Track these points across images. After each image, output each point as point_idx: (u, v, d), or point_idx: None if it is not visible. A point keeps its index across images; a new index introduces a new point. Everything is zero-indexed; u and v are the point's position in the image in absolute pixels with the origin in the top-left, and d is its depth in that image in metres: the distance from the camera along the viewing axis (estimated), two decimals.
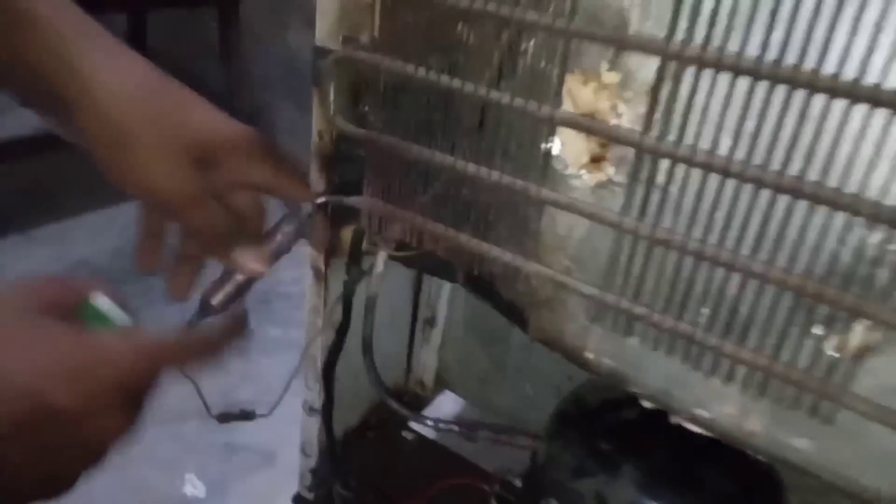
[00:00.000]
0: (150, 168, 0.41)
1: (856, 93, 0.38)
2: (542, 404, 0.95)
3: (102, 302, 0.40)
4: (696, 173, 0.45)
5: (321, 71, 0.58)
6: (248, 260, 0.50)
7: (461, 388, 1.02)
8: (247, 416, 0.71)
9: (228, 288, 0.54)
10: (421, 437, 0.99)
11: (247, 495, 1.16)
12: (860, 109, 0.39)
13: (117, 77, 0.39)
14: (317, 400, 0.79)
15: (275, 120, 2.00)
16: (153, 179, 0.41)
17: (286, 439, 0.89)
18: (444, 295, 0.99)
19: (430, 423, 0.69)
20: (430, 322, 1.01)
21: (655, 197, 0.47)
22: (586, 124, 0.47)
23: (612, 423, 0.67)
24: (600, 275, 0.53)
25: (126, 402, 0.36)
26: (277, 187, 0.49)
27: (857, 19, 0.37)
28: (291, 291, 1.59)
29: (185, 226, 0.46)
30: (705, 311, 0.48)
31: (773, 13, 0.39)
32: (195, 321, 0.54)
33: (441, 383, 1.05)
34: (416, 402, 1.06)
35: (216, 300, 0.54)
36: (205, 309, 0.54)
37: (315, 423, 0.82)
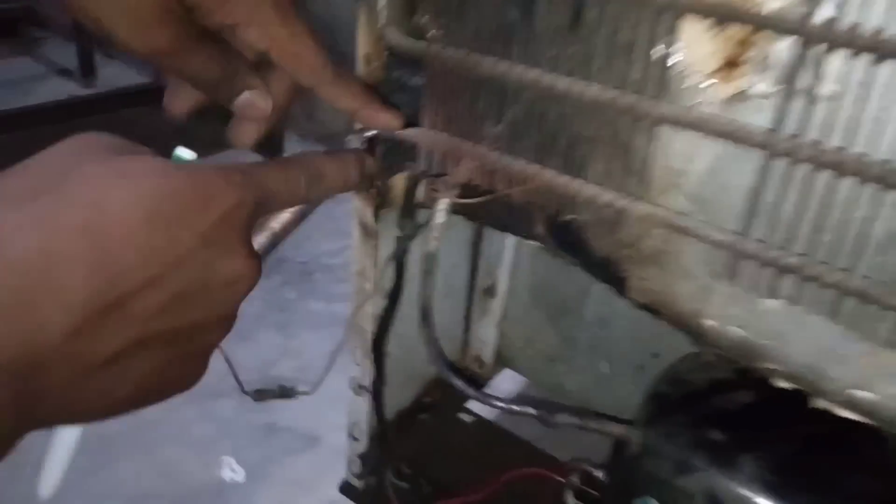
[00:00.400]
0: (116, 23, 0.33)
1: None
2: (621, 387, 0.84)
3: (186, 153, 0.33)
4: (884, 72, 0.32)
5: None
6: (257, 100, 0.40)
7: (524, 366, 0.91)
8: (286, 393, 0.61)
9: (261, 238, 0.44)
10: (481, 420, 0.89)
11: (289, 481, 1.06)
12: None
13: None
14: (366, 377, 0.69)
15: None
16: (123, 34, 0.34)
17: (331, 421, 0.80)
18: (505, 260, 0.87)
19: (500, 404, 0.58)
20: (490, 291, 0.90)
21: (819, 112, 0.35)
22: (729, 9, 0.35)
23: (724, 407, 0.55)
24: (732, 218, 0.41)
25: (245, 242, 0.30)
26: (294, 71, 0.39)
27: None
28: (333, 263, 1.49)
29: (176, 75, 0.39)
30: (883, 260, 0.36)
31: None
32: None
33: (501, 361, 0.94)
34: (473, 383, 0.95)
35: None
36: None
37: (364, 404, 0.72)
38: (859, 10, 0.32)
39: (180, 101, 0.41)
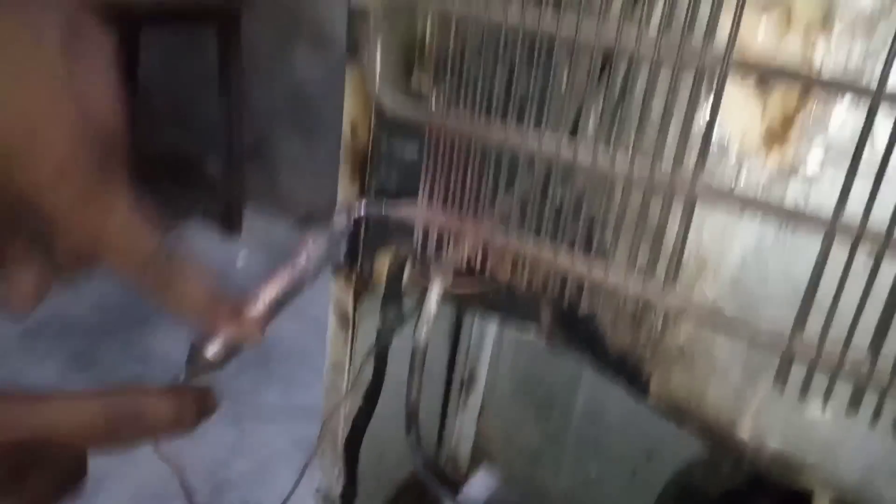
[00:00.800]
0: None
1: None
2: (611, 491, 0.77)
3: None
4: None
5: (360, 30, 0.42)
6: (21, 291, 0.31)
7: (505, 465, 0.83)
8: None
9: (228, 333, 0.37)
10: None
11: None
12: None
13: None
14: (335, 486, 0.60)
15: (277, 154, 1.84)
16: None
17: None
18: (486, 348, 0.81)
19: None
20: (469, 382, 0.83)
21: (887, 192, 0.30)
22: (786, 69, 0.31)
23: None
24: (775, 313, 0.36)
25: None
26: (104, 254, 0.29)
27: None
28: (292, 349, 1.40)
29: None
30: None
31: None
32: (186, 377, 0.37)
33: (478, 460, 0.86)
34: (450, 485, 0.87)
35: (211, 351, 0.37)
36: (196, 361, 0.37)
37: None
38: None
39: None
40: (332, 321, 0.55)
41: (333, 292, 0.54)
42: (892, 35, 0.30)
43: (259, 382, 1.31)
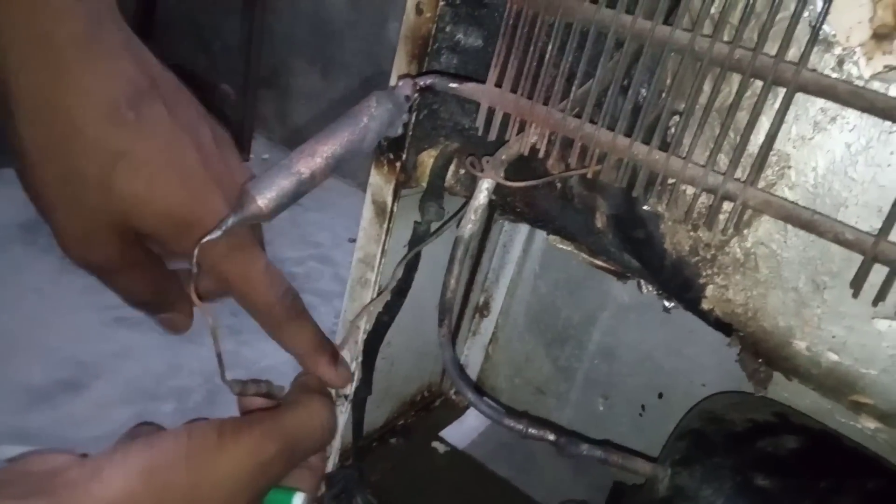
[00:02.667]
0: (61, 228, 0.33)
1: None
2: (615, 426, 0.77)
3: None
4: None
5: None
6: (175, 324, 0.39)
7: (509, 396, 0.83)
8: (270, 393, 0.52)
9: (284, 182, 0.36)
10: (455, 451, 0.80)
11: None
12: None
13: (43, 110, 0.31)
14: (349, 385, 0.60)
15: (293, 84, 1.80)
16: (63, 240, 0.33)
17: None
18: (505, 275, 0.80)
19: (514, 424, 0.50)
20: (483, 309, 0.82)
21: None
22: None
23: (770, 451, 0.49)
24: (855, 218, 0.35)
25: None
26: (241, 293, 0.35)
27: None
28: (295, 272, 1.39)
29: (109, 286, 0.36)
30: None
31: None
32: (231, 223, 0.35)
33: (483, 388, 0.86)
34: (445, 410, 0.87)
35: (265, 198, 0.35)
36: (246, 208, 0.35)
37: (340, 416, 0.62)
38: None
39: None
40: (367, 211, 0.54)
41: (373, 181, 0.52)
42: None
43: None
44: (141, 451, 0.28)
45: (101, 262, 0.34)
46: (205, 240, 0.34)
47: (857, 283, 0.34)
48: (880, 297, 0.33)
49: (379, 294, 0.56)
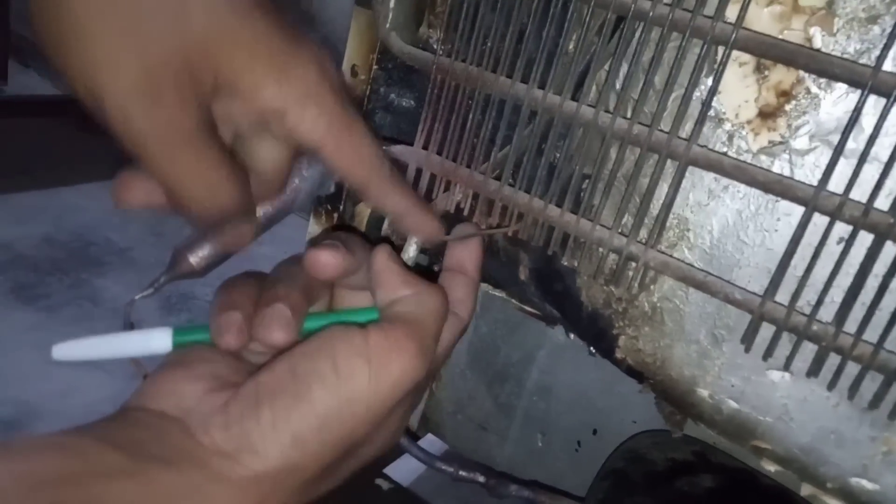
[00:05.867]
0: (106, 78, 0.25)
1: None
2: (552, 462, 0.79)
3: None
4: None
5: None
6: (241, 235, 0.35)
7: (452, 433, 0.85)
8: None
9: (215, 243, 0.38)
10: (399, 489, 0.81)
11: None
12: None
13: None
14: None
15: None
16: (108, 93, 0.25)
17: None
18: None
19: (446, 468, 0.52)
20: None
21: (868, 173, 0.33)
22: (789, 52, 0.33)
23: (689, 491, 0.52)
24: (747, 278, 0.38)
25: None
26: (345, 166, 0.33)
27: None
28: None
29: (155, 178, 0.29)
30: None
31: None
32: (162, 283, 0.37)
33: (426, 426, 0.87)
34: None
35: (196, 257, 0.37)
36: (178, 268, 0.37)
37: None
38: None
39: (135, 191, 0.32)
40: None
41: (312, 230, 0.54)
42: (890, 28, 0.32)
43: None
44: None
45: (161, 125, 0.27)
46: (137, 297, 0.35)
47: (747, 339, 0.37)
48: (769, 352, 0.37)
49: None
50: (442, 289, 0.35)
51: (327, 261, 0.34)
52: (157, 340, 0.34)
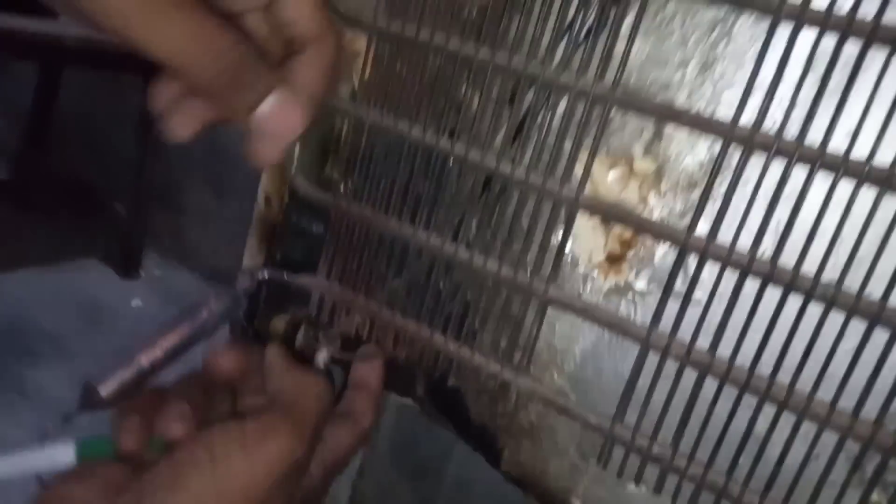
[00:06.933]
0: None
1: None
2: None
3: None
4: (749, 287, 0.37)
5: None
6: (287, 109, 0.29)
7: None
8: None
9: (125, 374, 0.41)
10: None
11: None
12: None
13: None
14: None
15: (186, 202, 1.85)
16: None
17: None
18: None
19: None
20: None
21: (690, 313, 0.38)
22: (622, 212, 0.39)
23: None
24: (604, 402, 0.43)
25: None
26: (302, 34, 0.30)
27: None
28: None
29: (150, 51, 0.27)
30: (743, 460, 0.39)
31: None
32: (73, 415, 0.40)
33: None
34: None
35: (106, 389, 0.40)
36: (90, 400, 0.40)
37: None
38: (730, 229, 0.37)
39: (185, 119, 0.31)
40: None
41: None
42: (699, 193, 0.38)
43: None
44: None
45: None
46: (49, 430, 0.39)
47: (602, 458, 0.42)
48: (620, 471, 0.41)
49: None
50: (322, 377, 0.39)
51: (223, 362, 0.37)
52: (62, 455, 0.37)
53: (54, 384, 1.18)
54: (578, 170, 0.40)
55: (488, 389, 0.46)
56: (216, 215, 1.78)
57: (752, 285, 0.37)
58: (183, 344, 0.43)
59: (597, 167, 0.41)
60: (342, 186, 0.47)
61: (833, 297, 0.34)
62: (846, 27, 0.31)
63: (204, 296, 0.45)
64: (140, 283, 1.70)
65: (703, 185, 0.38)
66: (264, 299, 0.56)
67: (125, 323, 1.50)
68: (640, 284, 0.41)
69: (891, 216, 0.33)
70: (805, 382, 0.36)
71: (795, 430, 0.37)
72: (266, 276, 0.48)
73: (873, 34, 0.31)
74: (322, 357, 0.52)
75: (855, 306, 0.34)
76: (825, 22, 0.32)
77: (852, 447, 0.36)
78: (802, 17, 0.32)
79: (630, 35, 0.37)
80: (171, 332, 0.43)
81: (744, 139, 0.34)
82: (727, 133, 0.34)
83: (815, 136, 0.34)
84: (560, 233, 0.41)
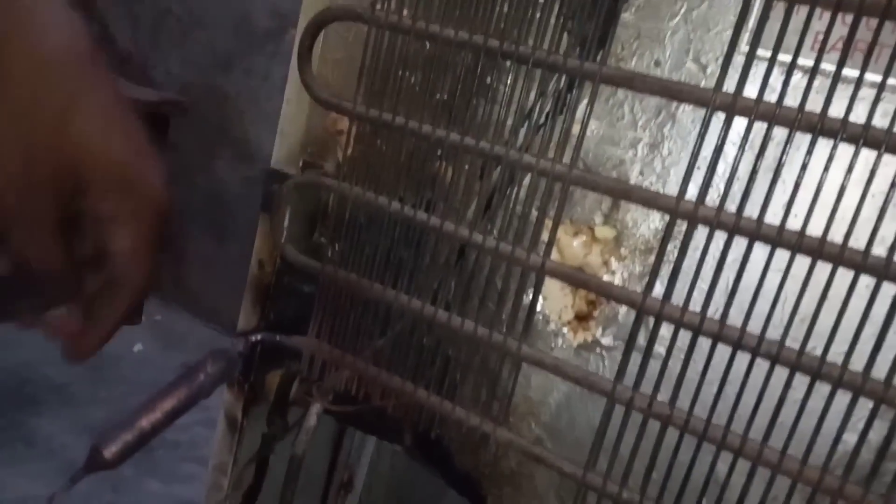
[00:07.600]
0: None
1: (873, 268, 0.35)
2: None
3: None
4: (703, 343, 0.40)
5: (276, 195, 0.52)
6: (65, 325, 0.35)
7: None
8: None
9: (127, 436, 0.44)
10: None
11: None
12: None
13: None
14: None
15: (188, 251, 1.89)
16: None
17: None
18: (366, 455, 0.88)
19: None
20: (347, 486, 0.89)
21: (652, 366, 0.42)
22: (582, 279, 0.42)
23: None
24: (578, 450, 0.46)
25: None
26: (119, 267, 0.35)
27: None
28: (180, 439, 1.41)
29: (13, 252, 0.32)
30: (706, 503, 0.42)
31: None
32: (80, 477, 0.43)
33: None
34: None
35: (110, 451, 0.43)
36: (95, 462, 0.43)
37: None
38: (684, 290, 0.40)
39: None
40: (221, 425, 0.62)
41: (226, 399, 0.61)
42: (653, 258, 0.42)
43: (143, 471, 1.31)
44: None
45: (32, 212, 0.31)
46: (56, 493, 0.42)
47: (578, 502, 0.45)
48: None
49: (224, 500, 0.63)
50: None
51: None
52: None
53: (59, 432, 1.20)
54: (546, 237, 0.43)
55: (470, 440, 0.49)
56: (216, 260, 1.82)
57: (705, 341, 0.40)
58: (181, 405, 0.46)
59: (562, 234, 0.45)
60: (329, 252, 0.51)
61: (777, 354, 0.37)
62: (772, 118, 0.35)
63: (201, 360, 0.48)
64: (142, 328, 1.72)
65: (657, 251, 0.42)
66: (259, 356, 0.59)
67: (128, 367, 1.53)
68: (607, 340, 0.45)
69: (824, 280, 0.37)
70: (757, 431, 0.39)
71: (751, 475, 0.40)
72: (259, 339, 0.52)
73: (797, 123, 0.35)
74: (315, 409, 0.56)
75: (797, 363, 0.37)
76: (754, 112, 0.35)
77: (805, 489, 0.39)
78: (733, 109, 0.35)
79: (585, 118, 0.40)
80: (170, 395, 0.46)
81: (688, 214, 0.38)
82: (673, 209, 0.38)
83: (752, 209, 0.37)
84: (531, 294, 0.45)
